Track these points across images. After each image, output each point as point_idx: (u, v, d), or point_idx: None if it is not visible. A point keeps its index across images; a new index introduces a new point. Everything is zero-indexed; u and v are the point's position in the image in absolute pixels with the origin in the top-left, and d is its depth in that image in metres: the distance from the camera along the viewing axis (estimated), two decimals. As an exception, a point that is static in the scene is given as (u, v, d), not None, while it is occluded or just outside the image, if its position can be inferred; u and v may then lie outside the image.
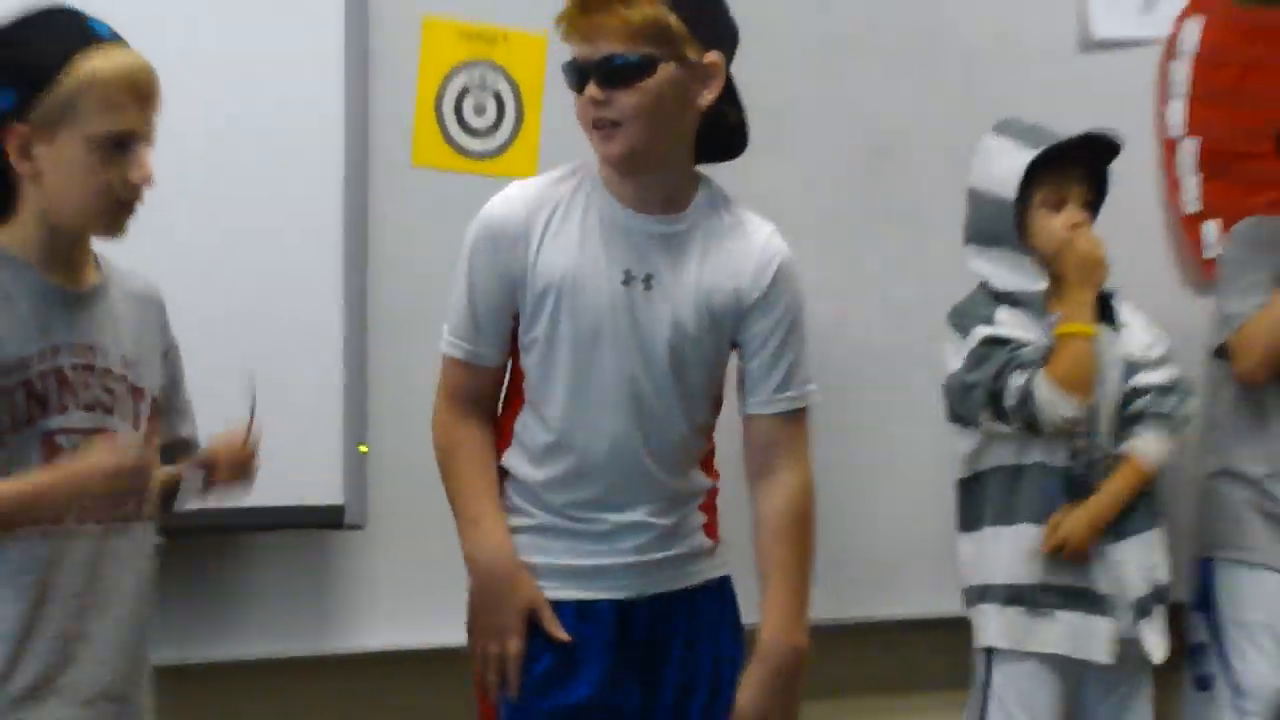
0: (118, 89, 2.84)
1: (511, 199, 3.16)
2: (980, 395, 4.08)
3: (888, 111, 4.51)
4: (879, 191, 4.51)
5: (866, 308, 4.51)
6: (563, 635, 3.13)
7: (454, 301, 3.19)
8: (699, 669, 3.25)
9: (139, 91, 2.86)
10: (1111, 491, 4.18)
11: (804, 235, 4.22)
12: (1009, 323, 4.13)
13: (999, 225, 4.15)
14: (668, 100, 3.07)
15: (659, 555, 3.21)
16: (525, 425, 3.21)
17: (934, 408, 4.31)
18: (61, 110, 2.82)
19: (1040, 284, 4.14)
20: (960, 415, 4.18)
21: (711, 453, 3.30)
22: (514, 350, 3.21)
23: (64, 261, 2.91)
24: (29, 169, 2.83)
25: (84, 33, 2.86)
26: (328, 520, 3.92)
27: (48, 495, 2.78)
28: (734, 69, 4.30)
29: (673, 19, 3.05)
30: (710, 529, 3.28)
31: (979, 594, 4.19)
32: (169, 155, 3.68)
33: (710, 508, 3.29)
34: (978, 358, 4.09)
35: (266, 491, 3.61)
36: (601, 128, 3.06)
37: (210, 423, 3.26)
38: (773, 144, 4.15)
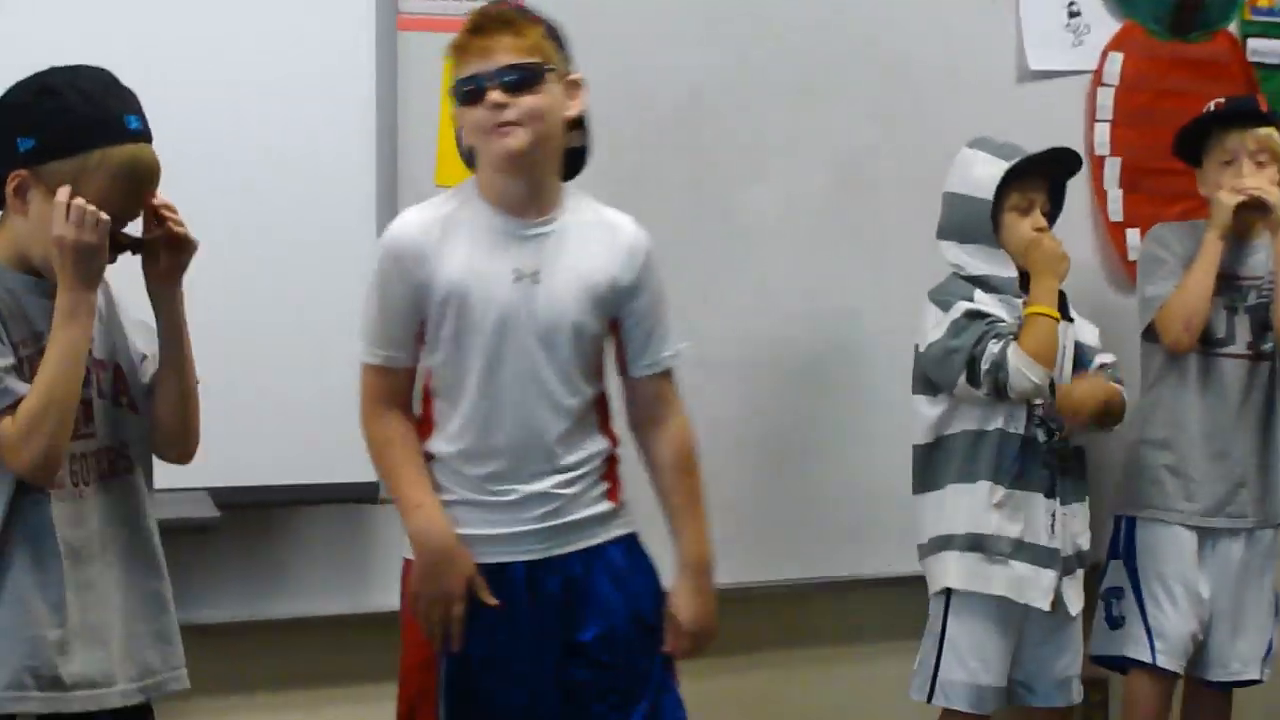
0: (117, 185, 2.87)
1: (408, 223, 3.25)
2: (960, 360, 4.14)
3: (851, 141, 4.56)
4: (845, 208, 4.56)
5: (833, 306, 4.56)
6: (492, 602, 3.18)
7: (367, 315, 3.25)
8: (619, 608, 3.29)
9: (135, 189, 2.91)
10: (1093, 387, 4.31)
11: (783, 244, 4.50)
12: (986, 302, 4.22)
13: (976, 223, 4.23)
14: (553, 105, 3.17)
15: (564, 520, 3.25)
16: (440, 413, 3.26)
17: (891, 389, 4.39)
18: (65, 179, 2.84)
19: (1012, 271, 4.25)
20: (934, 381, 4.24)
21: (607, 416, 3.35)
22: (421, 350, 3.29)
23: (31, 268, 2.95)
24: (18, 206, 2.88)
25: (118, 125, 2.90)
26: (364, 495, 3.93)
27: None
28: (723, 109, 4.44)
29: (548, 42, 3.18)
30: (612, 494, 3.33)
31: (941, 543, 4.25)
32: (225, 176, 3.81)
33: (612, 475, 3.35)
34: (959, 327, 4.16)
35: (312, 471, 3.91)
36: (503, 127, 3.12)
37: (259, 395, 3.51)
38: (757, 171, 4.44)
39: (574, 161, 3.31)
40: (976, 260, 4.26)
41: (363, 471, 3.80)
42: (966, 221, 4.26)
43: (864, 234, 4.58)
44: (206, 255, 3.51)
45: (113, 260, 2.93)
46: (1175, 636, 4.50)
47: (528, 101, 3.12)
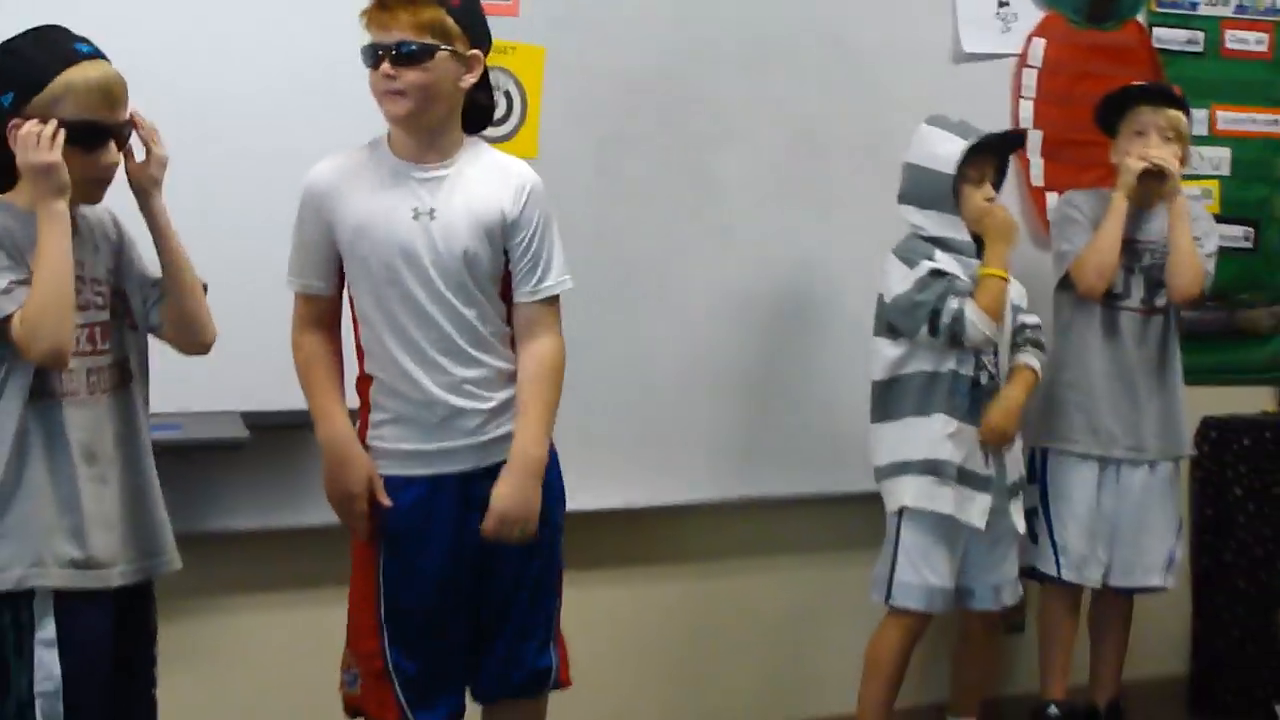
0: (90, 95, 2.90)
1: (321, 169, 3.29)
2: (924, 313, 4.18)
3: (803, 110, 4.56)
4: (796, 169, 4.56)
5: (787, 254, 4.56)
6: (387, 502, 3.25)
7: (291, 249, 3.30)
8: None
9: (108, 96, 2.93)
10: (1017, 390, 4.34)
11: (743, 201, 4.62)
12: (945, 262, 4.25)
13: (937, 192, 4.25)
14: (441, 79, 3.19)
15: (486, 435, 3.29)
16: (366, 339, 3.30)
17: (840, 328, 4.51)
18: (46, 109, 2.87)
19: (967, 235, 4.28)
20: (897, 327, 4.28)
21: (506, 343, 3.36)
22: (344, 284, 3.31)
23: None
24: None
25: (69, 50, 2.93)
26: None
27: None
28: (690, 81, 4.42)
29: (449, 21, 3.19)
30: None
31: (899, 468, 4.29)
32: (264, 156, 3.82)
33: None
34: (924, 284, 4.20)
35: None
36: (390, 94, 3.18)
37: (283, 337, 3.36)
38: (720, 136, 4.43)
39: (480, 116, 3.35)
40: (936, 224, 4.29)
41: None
42: (928, 190, 4.28)
43: (814, 192, 4.58)
44: (246, 225, 3.77)
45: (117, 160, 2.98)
46: (1077, 553, 4.57)
47: (411, 76, 3.16)
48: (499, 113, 4.15)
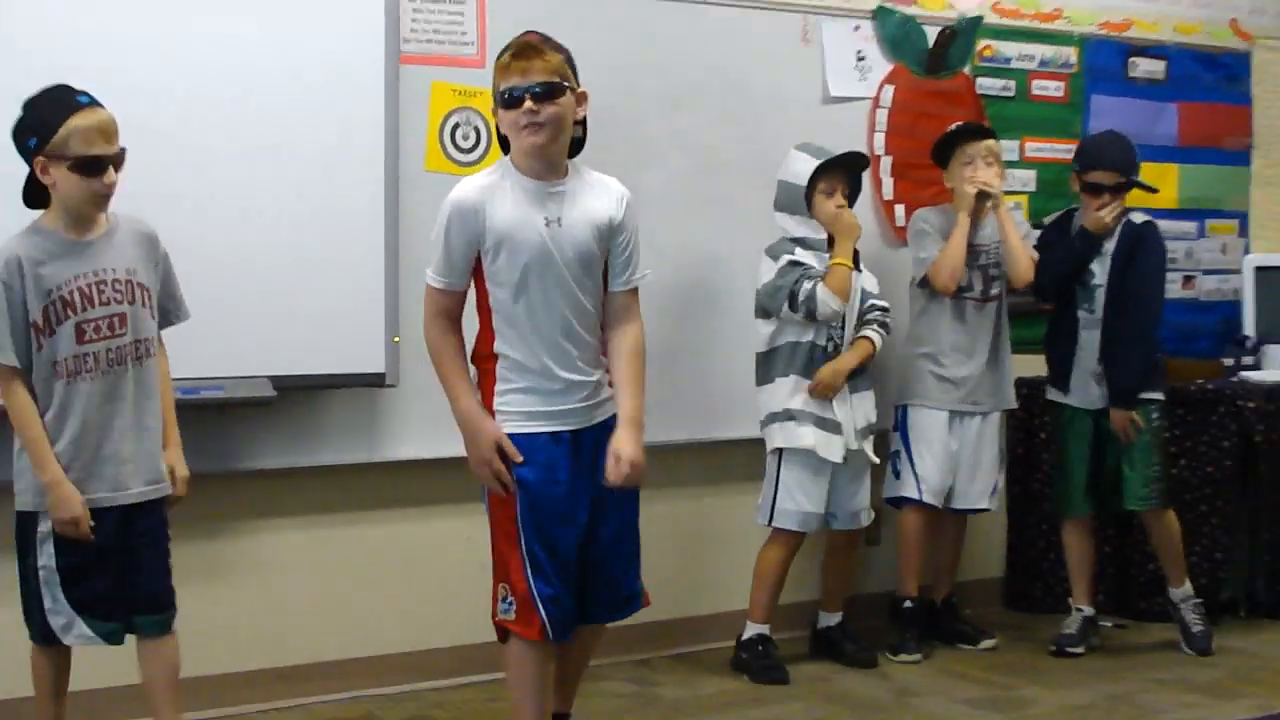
0: (89, 134, 3.07)
1: (467, 187, 3.23)
2: (783, 294, 4.27)
3: (708, 140, 4.60)
4: (704, 187, 4.59)
5: (698, 254, 4.59)
6: (518, 458, 3.20)
7: (436, 253, 3.23)
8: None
9: (104, 134, 3.09)
10: (849, 356, 4.38)
11: (665, 212, 4.41)
12: (803, 256, 4.32)
13: (797, 201, 4.34)
14: (567, 112, 3.19)
15: (594, 399, 3.28)
16: (499, 325, 3.23)
17: (738, 312, 4.48)
18: (60, 148, 3.06)
19: (822, 235, 4.35)
20: (767, 309, 4.35)
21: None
22: (480, 280, 3.22)
23: (77, 226, 3.14)
24: (49, 181, 3.10)
25: (73, 102, 3.09)
26: (375, 381, 4.01)
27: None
28: (621, 117, 4.34)
29: (567, 66, 3.20)
30: (610, 378, 3.33)
31: (772, 418, 4.38)
32: (285, 166, 3.77)
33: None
34: (784, 272, 4.29)
35: (338, 363, 3.93)
36: (532, 125, 3.15)
37: (304, 313, 3.55)
38: (645, 160, 4.45)
39: (575, 145, 3.32)
40: (797, 226, 4.38)
41: (376, 364, 3.99)
42: (791, 199, 4.37)
43: (716, 204, 4.61)
44: (276, 220, 3.81)
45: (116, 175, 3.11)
46: (933, 482, 4.66)
47: (549, 110, 3.16)
48: (469, 144, 4.23)
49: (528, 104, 3.14)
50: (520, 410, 3.24)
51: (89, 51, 3.62)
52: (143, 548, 3.23)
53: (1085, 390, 4.64)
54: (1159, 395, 4.65)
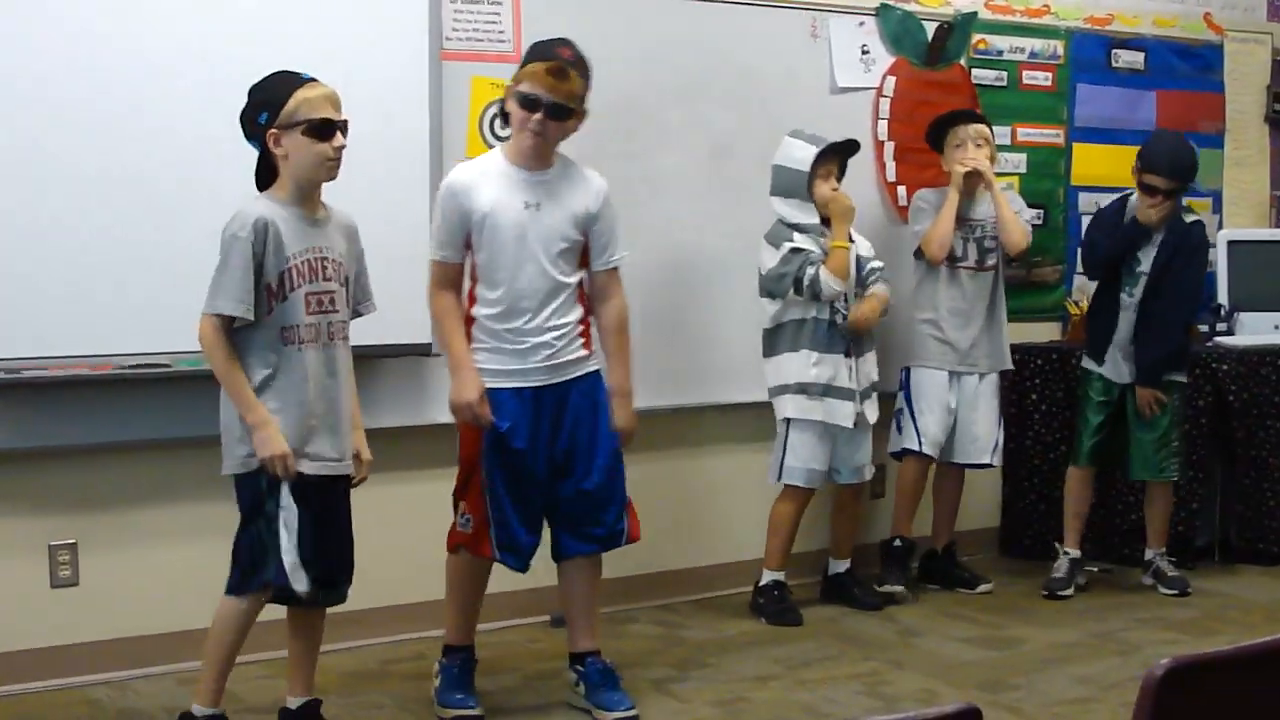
0: (317, 101, 3.05)
1: (460, 171, 3.42)
2: (789, 281, 4.30)
3: (722, 128, 4.61)
4: (715, 173, 4.61)
5: (709, 236, 4.60)
6: (490, 417, 3.34)
7: (435, 230, 3.41)
8: (582, 417, 3.45)
9: (330, 102, 3.08)
10: (871, 302, 4.41)
11: (678, 196, 4.52)
12: (802, 241, 4.33)
13: (796, 186, 4.34)
14: (568, 129, 3.37)
15: (556, 360, 3.41)
16: (480, 292, 3.40)
17: (744, 290, 4.48)
18: (291, 117, 3.04)
19: (817, 218, 4.36)
20: (771, 292, 4.38)
21: (584, 295, 3.47)
22: (469, 250, 3.39)
23: (307, 202, 3.12)
24: (281, 152, 3.07)
25: (297, 79, 3.09)
26: (421, 351, 4.03)
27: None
28: (639, 106, 4.43)
29: (582, 85, 3.32)
30: (587, 344, 3.47)
31: (781, 389, 4.42)
32: (348, 156, 3.52)
33: (586, 333, 3.47)
34: (786, 260, 4.31)
35: (387, 334, 3.86)
36: (535, 133, 3.30)
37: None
38: (660, 147, 4.50)
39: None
40: (794, 211, 4.37)
41: (423, 335, 3.98)
42: (790, 185, 4.36)
43: (731, 188, 4.62)
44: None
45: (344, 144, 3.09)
46: (932, 435, 4.72)
47: (554, 127, 3.34)
48: (507, 132, 4.08)
49: (540, 116, 3.30)
50: (486, 367, 3.38)
51: (141, 53, 3.66)
52: (344, 518, 3.21)
53: (1116, 365, 4.68)
54: (1183, 378, 4.70)
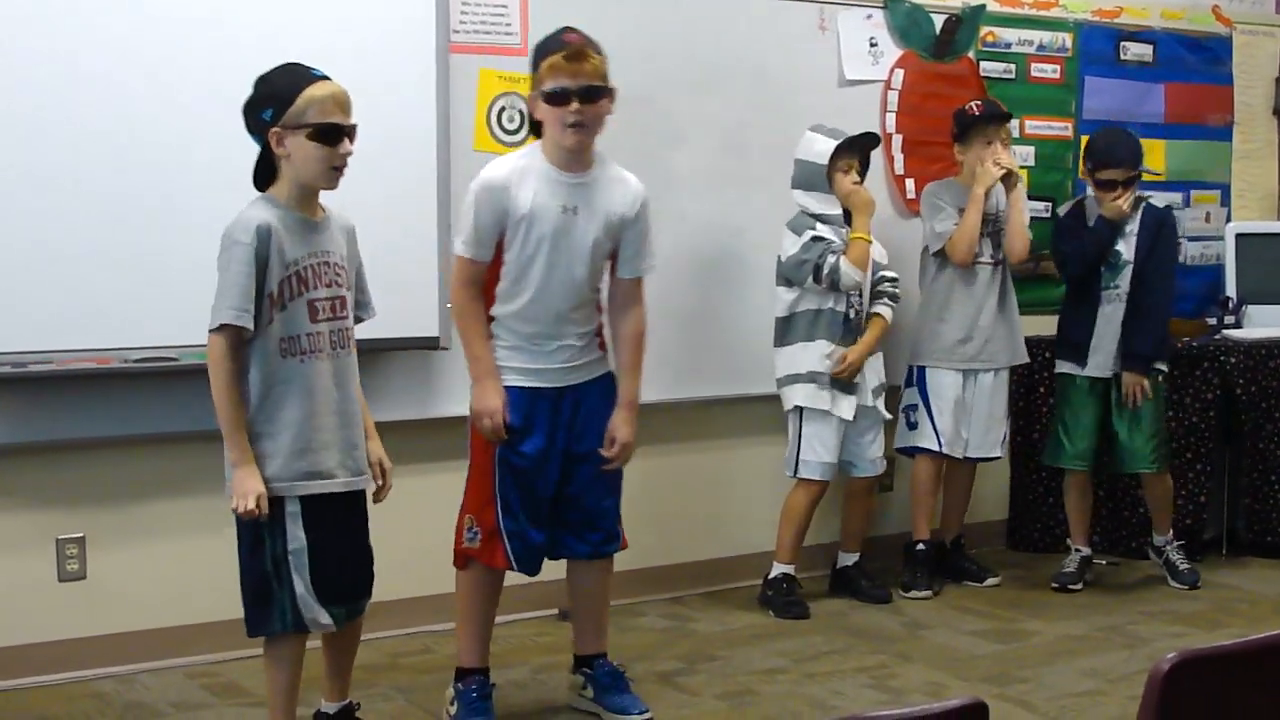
0: (326, 103, 2.86)
1: (498, 166, 3.27)
2: (809, 268, 4.28)
3: (733, 121, 4.60)
4: (730, 165, 4.59)
5: (723, 226, 4.57)
6: (504, 435, 3.24)
7: (465, 226, 3.25)
8: (593, 421, 3.34)
9: (340, 104, 2.89)
10: (869, 337, 4.41)
11: (693, 187, 4.50)
12: (823, 230, 4.31)
13: (817, 179, 4.33)
14: (604, 111, 3.23)
15: (576, 363, 3.33)
16: (504, 291, 3.27)
17: (758, 279, 4.49)
18: (296, 117, 2.85)
19: (839, 210, 4.35)
20: (790, 279, 4.35)
21: (600, 304, 3.39)
22: (498, 250, 3.25)
23: (307, 204, 2.94)
24: (283, 153, 2.88)
25: (307, 75, 2.90)
26: (430, 344, 4.02)
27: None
28: (655, 100, 4.36)
29: (606, 68, 3.22)
30: (601, 346, 3.39)
31: (793, 379, 4.38)
32: (356, 148, 3.54)
33: (600, 334, 3.39)
34: (808, 247, 4.29)
35: (395, 327, 3.76)
36: (576, 125, 3.17)
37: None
38: (676, 140, 4.50)
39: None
40: (816, 202, 4.36)
41: (431, 329, 3.99)
42: (811, 177, 4.35)
43: (742, 181, 4.60)
44: (338, 197, 3.36)
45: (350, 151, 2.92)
46: (949, 433, 4.67)
47: (594, 111, 3.19)
48: (513, 126, 4.20)
49: (575, 104, 3.15)
50: (506, 366, 3.28)
51: (151, 46, 3.60)
52: (360, 533, 3.05)
53: (1099, 362, 4.62)
54: (1163, 366, 4.68)
